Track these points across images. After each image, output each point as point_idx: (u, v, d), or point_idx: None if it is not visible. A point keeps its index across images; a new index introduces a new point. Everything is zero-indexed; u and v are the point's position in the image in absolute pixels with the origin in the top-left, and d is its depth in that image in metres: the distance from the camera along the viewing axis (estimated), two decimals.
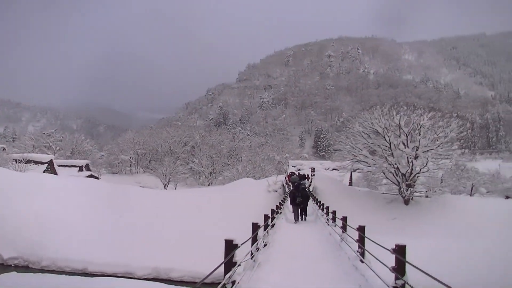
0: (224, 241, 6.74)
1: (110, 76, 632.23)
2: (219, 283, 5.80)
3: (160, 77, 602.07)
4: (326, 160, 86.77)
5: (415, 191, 31.29)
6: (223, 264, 6.13)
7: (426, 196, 32.44)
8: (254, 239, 9.44)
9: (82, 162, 69.20)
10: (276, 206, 20.21)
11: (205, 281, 4.77)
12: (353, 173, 53.18)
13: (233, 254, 6.54)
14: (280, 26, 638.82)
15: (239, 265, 6.87)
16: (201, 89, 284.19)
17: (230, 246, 6.61)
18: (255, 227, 9.63)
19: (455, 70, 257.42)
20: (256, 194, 33.90)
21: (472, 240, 22.14)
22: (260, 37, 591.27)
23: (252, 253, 8.94)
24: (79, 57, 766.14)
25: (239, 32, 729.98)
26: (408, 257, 6.58)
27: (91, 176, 59.23)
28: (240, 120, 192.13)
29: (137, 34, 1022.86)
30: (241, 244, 6.85)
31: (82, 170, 65.30)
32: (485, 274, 14.59)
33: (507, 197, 49.15)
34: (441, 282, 4.42)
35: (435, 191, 31.70)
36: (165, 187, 67.30)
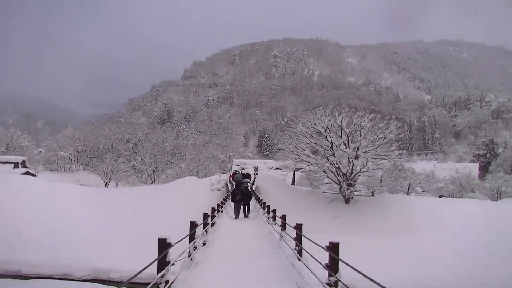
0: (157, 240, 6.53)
1: (51, 70, 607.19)
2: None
3: (103, 72, 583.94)
4: (270, 159, 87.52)
5: (355, 190, 32.12)
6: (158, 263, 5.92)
7: (372, 195, 33.43)
8: (192, 238, 9.25)
9: (18, 159, 65.77)
10: (218, 204, 20.08)
11: (141, 281, 4.55)
12: (296, 172, 53.96)
13: (167, 253, 6.33)
14: (227, 24, 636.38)
15: (173, 264, 6.67)
16: (146, 86, 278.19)
17: (164, 245, 6.40)
18: (193, 225, 9.46)
19: (395, 74, 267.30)
20: (199, 193, 33.59)
21: (402, 236, 23.12)
22: (207, 35, 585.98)
23: (189, 252, 8.75)
24: (16, 46, 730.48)
25: (185, 28, 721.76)
26: (345, 254, 6.65)
27: (27, 173, 56.59)
28: (184, 118, 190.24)
29: (80, 28, 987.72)
30: (176, 243, 6.66)
31: (18, 167, 62.14)
32: (412, 267, 15.17)
33: (440, 196, 51.48)
34: (369, 278, 4.46)
35: (374, 190, 32.72)
36: (106, 185, 65.39)
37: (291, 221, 12.42)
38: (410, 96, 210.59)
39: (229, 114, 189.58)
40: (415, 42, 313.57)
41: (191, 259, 8.63)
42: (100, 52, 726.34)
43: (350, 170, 30.77)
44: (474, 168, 77.51)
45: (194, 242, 9.28)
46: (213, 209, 15.86)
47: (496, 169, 73.38)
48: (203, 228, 11.77)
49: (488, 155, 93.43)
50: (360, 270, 4.92)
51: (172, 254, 6.70)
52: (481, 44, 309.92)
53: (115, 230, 23.27)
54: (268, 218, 17.50)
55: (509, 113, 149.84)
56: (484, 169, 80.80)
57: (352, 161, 30.43)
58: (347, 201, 31.33)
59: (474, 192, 56.10)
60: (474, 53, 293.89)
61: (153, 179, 71.80)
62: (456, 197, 51.95)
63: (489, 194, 53.26)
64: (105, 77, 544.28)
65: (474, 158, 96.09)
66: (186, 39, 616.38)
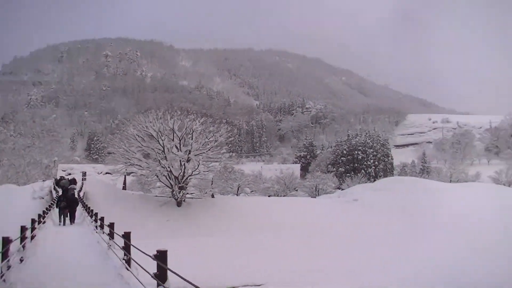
0: None
1: None
2: None
3: None
4: (100, 163, 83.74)
5: (188, 193, 32.44)
6: None
7: (212, 197, 34.03)
8: (5, 256, 8.31)
9: None
10: (39, 215, 18.42)
11: None
12: (127, 176, 52.36)
13: None
14: (54, 18, 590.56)
15: None
16: None
17: None
18: (6, 241, 8.51)
19: (226, 79, 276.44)
20: (18, 203, 30.36)
21: (236, 236, 24.09)
22: (30, 27, 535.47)
23: (1, 272, 7.85)
24: None
25: (3, 18, 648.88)
26: (180, 257, 6.63)
27: None
28: (2, 118, 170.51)
29: None
30: None
31: None
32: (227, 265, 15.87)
33: (269, 196, 54.84)
34: (194, 285, 4.53)
35: (206, 192, 33.45)
36: None
37: (121, 228, 11.93)
38: (240, 101, 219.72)
39: (54, 115, 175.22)
40: (245, 49, 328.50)
41: (4, 280, 7.76)
42: None
43: (182, 173, 30.95)
44: (297, 168, 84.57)
45: (8, 261, 8.36)
46: (33, 220, 14.46)
47: (315, 169, 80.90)
48: (21, 243, 10.64)
49: (308, 156, 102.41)
50: (190, 275, 4.94)
51: None
52: (303, 55, 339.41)
53: None
54: (96, 226, 16.67)
55: (325, 118, 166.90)
56: (305, 169, 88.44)
57: (184, 164, 30.66)
58: (179, 204, 31.45)
59: (297, 190, 61.09)
60: (297, 63, 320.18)
61: None
62: (281, 196, 55.88)
63: (309, 192, 58.49)
64: None
65: (297, 159, 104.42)
66: (4, 31, 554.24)
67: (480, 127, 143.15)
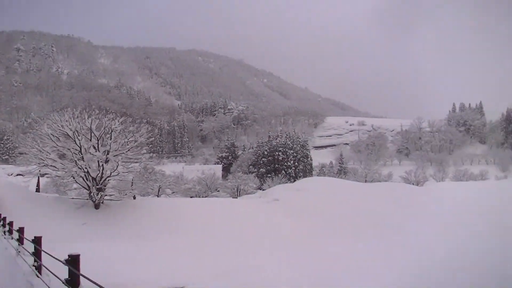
0: None
1: None
2: None
3: None
4: (10, 164, 78.78)
5: (106, 195, 31.50)
6: None
7: (134, 198, 33.17)
8: None
9: None
10: None
11: None
12: (41, 178, 49.82)
13: None
14: None
15: None
16: None
17: None
18: None
19: (148, 78, 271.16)
20: None
21: (158, 239, 23.91)
22: None
23: None
24: None
25: None
26: (91, 262, 6.54)
27: None
28: None
29: None
30: None
31: None
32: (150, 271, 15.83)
33: (191, 197, 54.58)
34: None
35: (125, 194, 32.67)
36: None
37: (33, 233, 11.42)
38: (162, 101, 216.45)
39: None
40: (168, 49, 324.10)
41: None
42: None
43: (100, 174, 30.02)
44: (218, 169, 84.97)
45: None
46: None
47: (236, 170, 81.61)
48: None
49: (230, 157, 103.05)
50: (104, 279, 4.95)
51: None
52: (225, 56, 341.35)
53: None
54: (4, 232, 15.82)
55: (247, 119, 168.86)
56: (226, 170, 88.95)
57: (102, 165, 29.78)
58: (97, 206, 30.46)
59: (218, 191, 61.34)
60: (219, 64, 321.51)
61: None
62: (203, 197, 55.85)
63: (231, 192, 58.95)
64: None
65: (218, 160, 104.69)
66: None
67: (393, 130, 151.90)
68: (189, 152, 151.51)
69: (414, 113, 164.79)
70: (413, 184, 58.86)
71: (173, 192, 56.59)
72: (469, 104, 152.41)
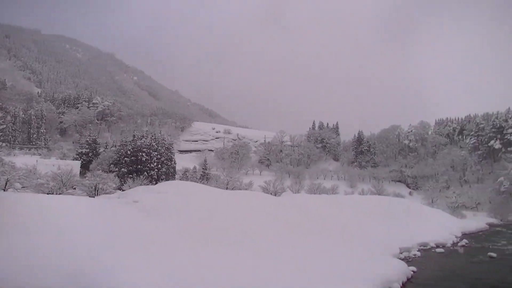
0: None
1: None
2: None
3: None
4: None
5: None
6: None
7: None
8: None
9: None
10: None
11: None
12: None
13: None
14: None
15: None
16: None
17: None
18: None
19: (5, 59, 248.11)
20: None
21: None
22: None
23: None
24: None
25: None
26: None
27: None
28: None
29: None
30: None
31: None
32: None
33: (48, 193, 51.52)
34: None
35: None
36: None
37: None
38: (19, 86, 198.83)
39: None
40: (32, 30, 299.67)
41: None
42: None
43: None
44: (77, 165, 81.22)
45: None
46: None
47: (96, 168, 78.52)
48: None
49: (90, 154, 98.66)
50: None
51: None
52: (96, 48, 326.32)
53: None
54: None
55: (112, 116, 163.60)
56: (85, 167, 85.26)
57: None
58: None
59: (75, 188, 58.81)
60: (89, 55, 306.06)
61: None
62: (57, 194, 53.10)
63: (88, 191, 56.97)
64: None
65: (77, 156, 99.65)
66: None
67: (257, 141, 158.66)
68: (45, 144, 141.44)
69: (278, 126, 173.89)
70: (271, 194, 62.53)
71: (23, 187, 52.92)
72: (327, 124, 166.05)
